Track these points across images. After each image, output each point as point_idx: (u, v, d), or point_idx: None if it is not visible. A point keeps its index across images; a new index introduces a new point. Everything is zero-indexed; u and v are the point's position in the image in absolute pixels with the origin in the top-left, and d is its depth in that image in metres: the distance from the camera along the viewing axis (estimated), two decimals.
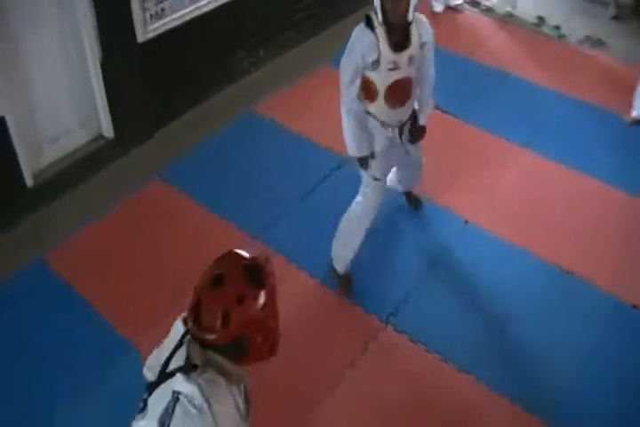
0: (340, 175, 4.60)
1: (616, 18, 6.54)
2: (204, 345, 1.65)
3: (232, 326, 1.57)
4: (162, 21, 4.68)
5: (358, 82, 3.29)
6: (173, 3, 4.69)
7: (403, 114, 3.51)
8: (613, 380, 3.44)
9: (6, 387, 3.34)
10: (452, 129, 5.16)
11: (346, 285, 3.81)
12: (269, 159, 4.78)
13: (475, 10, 6.71)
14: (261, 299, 1.59)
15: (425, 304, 3.84)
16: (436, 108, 5.24)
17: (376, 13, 3.15)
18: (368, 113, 3.44)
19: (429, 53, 3.43)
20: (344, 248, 3.73)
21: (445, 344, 3.59)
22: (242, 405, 1.72)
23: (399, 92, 3.38)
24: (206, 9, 4.95)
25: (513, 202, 4.56)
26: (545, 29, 6.41)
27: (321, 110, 4.86)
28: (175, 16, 4.75)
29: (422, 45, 3.31)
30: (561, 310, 3.81)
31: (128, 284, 3.89)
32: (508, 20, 6.54)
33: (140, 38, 4.61)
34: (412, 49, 3.27)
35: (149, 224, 4.31)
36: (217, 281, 1.59)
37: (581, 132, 5.15)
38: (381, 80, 3.30)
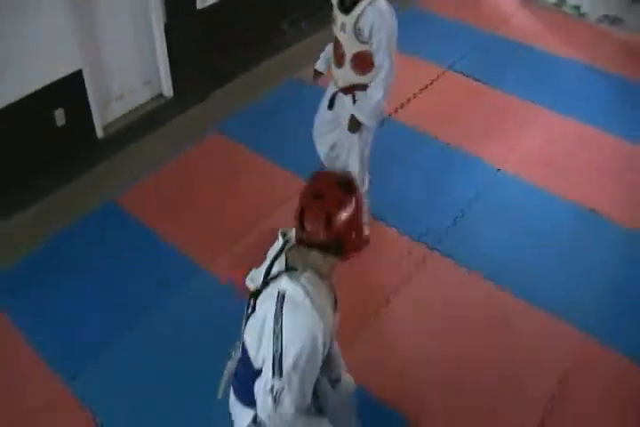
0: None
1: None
2: (310, 246, 1.93)
3: (334, 226, 1.87)
4: None
5: None
6: None
7: (338, 78, 3.66)
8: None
9: (89, 303, 3.75)
10: (482, 94, 5.58)
11: None
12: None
13: None
14: (354, 203, 1.91)
15: (466, 234, 4.26)
16: (466, 75, 5.73)
17: None
18: None
19: (375, 47, 3.38)
20: None
21: (487, 266, 4.00)
22: (331, 309, 2.06)
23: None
24: None
25: (539, 153, 4.97)
26: (565, 9, 6.84)
27: None
28: None
29: (358, 30, 3.34)
30: (583, 238, 4.27)
31: (195, 218, 4.29)
32: (529, 0, 6.96)
33: (199, 5, 5.05)
34: (348, 18, 3.34)
35: (211, 170, 4.70)
36: (317, 195, 1.90)
37: (600, 95, 5.59)
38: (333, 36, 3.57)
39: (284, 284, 1.91)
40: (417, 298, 3.86)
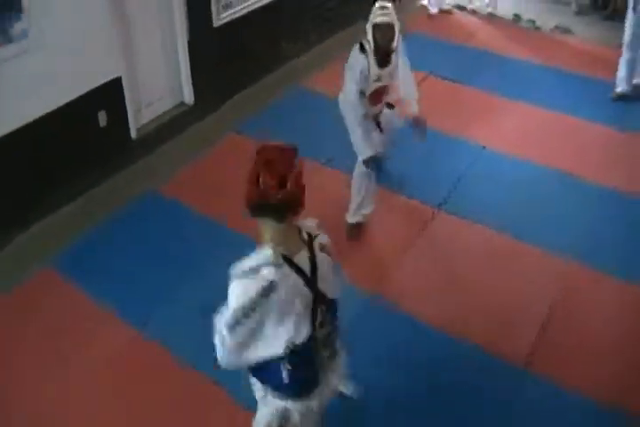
0: None
1: (578, 13, 7.98)
2: (262, 214, 2.18)
3: (289, 185, 2.11)
4: (229, 11, 5.94)
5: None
6: None
7: (376, 110, 4.53)
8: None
9: (144, 264, 4.35)
10: (460, 91, 6.44)
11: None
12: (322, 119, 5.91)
13: (462, 12, 8.11)
14: (299, 165, 2.17)
15: (464, 195, 5.01)
16: (443, 78, 6.58)
17: (368, 41, 4.15)
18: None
19: (401, 57, 4.35)
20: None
21: (486, 217, 4.74)
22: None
23: (377, 96, 4.41)
24: (257, 5, 6.24)
25: (514, 133, 5.79)
26: (522, 23, 7.82)
27: None
28: (238, 8, 6.03)
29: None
30: (561, 192, 5.11)
31: (225, 200, 4.87)
32: (490, 18, 7.94)
33: (215, 23, 5.84)
34: (392, 65, 4.29)
35: (233, 164, 5.25)
36: (268, 161, 2.14)
37: (556, 87, 6.52)
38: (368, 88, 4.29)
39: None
40: (431, 242, 4.58)
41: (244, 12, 6.09)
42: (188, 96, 5.87)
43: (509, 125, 5.89)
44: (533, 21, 7.78)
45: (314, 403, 2.46)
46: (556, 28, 7.64)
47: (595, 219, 4.79)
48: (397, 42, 4.17)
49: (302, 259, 2.23)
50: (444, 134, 5.70)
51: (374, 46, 4.14)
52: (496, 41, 7.45)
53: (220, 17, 5.85)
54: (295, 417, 2.45)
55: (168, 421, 3.40)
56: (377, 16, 4.08)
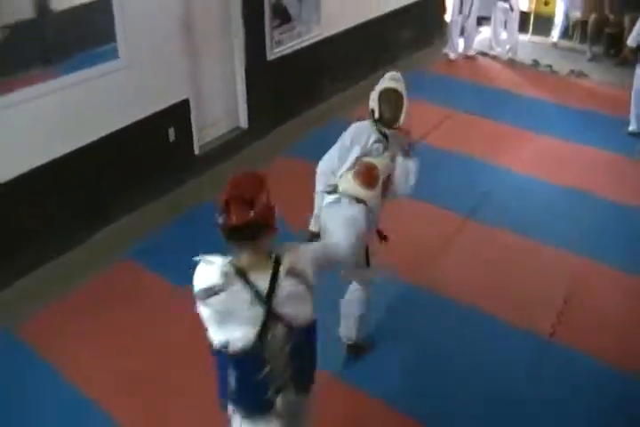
0: None
1: (591, 59, 8.76)
2: (237, 238, 2.24)
3: (257, 206, 2.19)
4: (280, 47, 6.71)
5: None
6: (286, 36, 6.75)
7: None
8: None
9: None
10: (485, 124, 7.14)
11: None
12: None
13: (484, 58, 8.91)
14: (266, 189, 2.30)
15: (491, 207, 5.58)
16: (469, 113, 7.28)
17: (373, 111, 3.62)
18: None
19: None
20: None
21: (510, 224, 5.33)
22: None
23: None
24: (304, 44, 7.03)
25: (538, 159, 6.43)
26: (540, 68, 8.60)
27: None
28: (288, 45, 6.80)
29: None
30: (577, 203, 5.75)
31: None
32: (511, 63, 8.73)
33: (269, 57, 6.61)
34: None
35: (285, 182, 5.88)
36: (235, 187, 2.25)
37: (573, 122, 7.20)
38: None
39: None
40: (462, 244, 5.18)
41: (293, 49, 6.85)
42: (243, 121, 6.56)
43: (530, 152, 6.54)
44: (550, 66, 8.55)
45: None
46: (572, 72, 8.39)
47: (604, 225, 5.42)
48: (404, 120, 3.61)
49: (261, 278, 2.26)
50: (471, 158, 6.36)
51: (379, 114, 3.61)
52: (516, 82, 8.21)
53: (273, 52, 6.61)
54: None
55: None
56: (386, 81, 3.64)
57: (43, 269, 4.74)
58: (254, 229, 2.21)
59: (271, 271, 2.27)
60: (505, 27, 8.88)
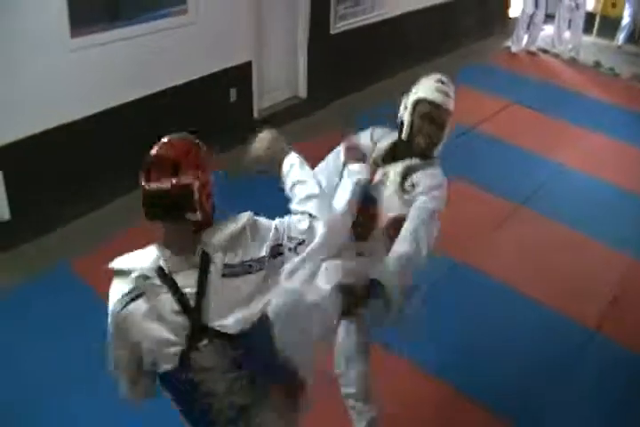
0: None
1: None
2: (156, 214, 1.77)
3: (182, 173, 1.73)
4: (344, 22, 6.69)
5: None
6: (350, 12, 6.72)
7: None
8: None
9: None
10: (539, 119, 7.02)
11: None
12: None
13: (545, 55, 8.81)
14: (202, 157, 1.83)
15: (545, 197, 5.53)
16: (527, 106, 7.19)
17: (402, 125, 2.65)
18: None
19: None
20: None
21: (561, 216, 5.27)
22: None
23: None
24: (368, 21, 6.99)
25: (591, 156, 6.34)
26: (602, 70, 8.47)
27: None
28: (352, 20, 6.78)
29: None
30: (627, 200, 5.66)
31: None
32: (572, 63, 8.61)
33: (332, 31, 6.59)
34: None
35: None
36: (162, 147, 1.81)
37: (633, 125, 7.09)
38: None
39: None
40: (513, 228, 5.12)
41: (357, 25, 6.83)
42: (302, 90, 6.55)
43: (585, 150, 6.43)
44: (613, 69, 8.41)
45: None
46: (635, 76, 8.24)
47: None
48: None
49: (188, 278, 1.76)
50: (525, 150, 6.29)
51: (407, 133, 2.62)
52: (576, 82, 8.09)
53: (336, 26, 6.59)
54: None
55: None
56: (431, 90, 2.62)
57: (97, 212, 4.82)
58: (173, 206, 1.73)
59: (198, 269, 1.76)
60: (569, 26, 8.75)
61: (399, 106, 2.75)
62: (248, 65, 5.81)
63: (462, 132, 6.25)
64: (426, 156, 2.59)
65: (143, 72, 4.89)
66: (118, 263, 1.80)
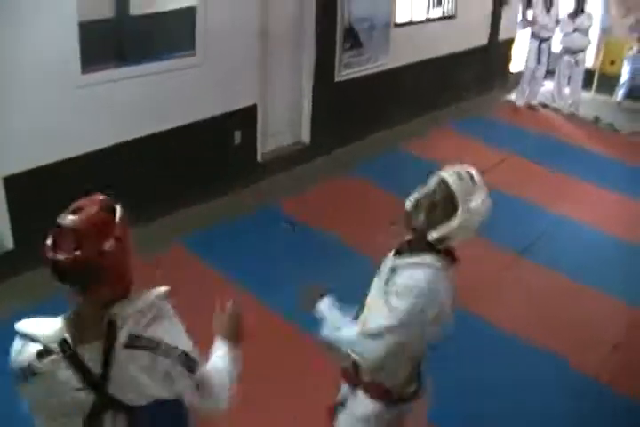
0: None
1: None
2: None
3: (82, 244, 1.59)
4: (348, 70, 6.82)
5: None
6: (355, 61, 6.85)
7: None
8: None
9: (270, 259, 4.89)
10: (538, 170, 7.08)
11: None
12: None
13: (545, 109, 8.95)
14: (115, 226, 1.67)
15: (544, 250, 5.50)
16: (527, 158, 7.26)
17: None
18: None
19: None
20: None
21: (562, 267, 5.21)
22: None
23: None
24: (372, 71, 7.13)
25: (594, 208, 6.34)
26: (601, 125, 8.59)
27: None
28: (356, 69, 6.91)
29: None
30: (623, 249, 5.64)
31: (344, 219, 5.51)
32: (571, 118, 8.74)
33: (336, 79, 6.70)
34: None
35: (344, 198, 5.98)
36: (74, 209, 1.66)
37: (633, 179, 7.11)
38: None
39: None
40: (514, 277, 5.07)
41: (361, 74, 6.97)
42: (306, 136, 6.62)
43: (584, 202, 6.46)
44: (612, 124, 8.53)
45: None
46: (634, 133, 8.35)
47: None
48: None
49: (92, 351, 1.67)
50: (525, 200, 6.32)
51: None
52: (577, 136, 8.20)
53: (341, 73, 6.72)
54: None
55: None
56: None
57: None
58: (77, 277, 1.64)
59: (104, 340, 1.66)
60: (568, 82, 8.92)
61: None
62: (253, 108, 5.88)
63: None
64: (427, 244, 2.27)
65: (150, 111, 4.95)
66: (24, 326, 1.71)
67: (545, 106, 9.07)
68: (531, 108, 8.92)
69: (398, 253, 2.35)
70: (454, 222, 2.22)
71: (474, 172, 2.32)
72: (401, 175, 6.37)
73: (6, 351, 1.74)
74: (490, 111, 8.68)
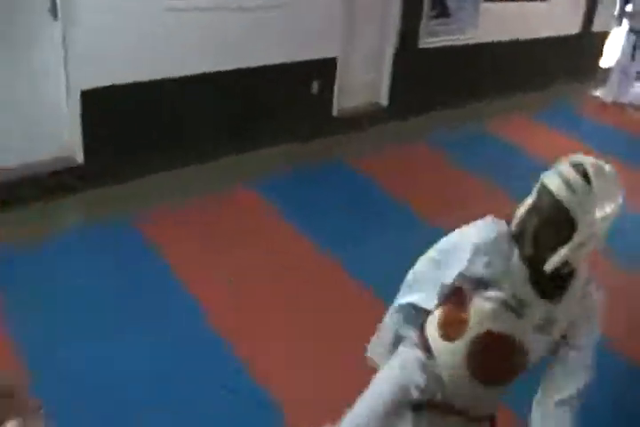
0: None
1: None
2: None
3: None
4: (433, 39, 6.69)
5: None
6: (441, 29, 6.67)
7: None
8: None
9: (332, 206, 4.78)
10: (622, 170, 6.65)
11: None
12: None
13: (634, 109, 8.55)
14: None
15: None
16: (609, 155, 6.88)
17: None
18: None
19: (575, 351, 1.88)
20: None
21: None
22: None
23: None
24: (458, 43, 6.96)
25: None
26: None
27: None
28: (442, 38, 6.76)
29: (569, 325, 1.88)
30: None
31: (411, 181, 5.34)
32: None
33: (420, 46, 6.59)
34: (559, 311, 1.84)
35: (417, 162, 5.82)
36: None
37: None
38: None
39: None
40: None
41: (446, 44, 6.86)
42: (384, 98, 6.48)
43: None
44: None
45: None
46: None
47: None
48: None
49: None
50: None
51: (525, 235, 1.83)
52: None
53: (425, 41, 6.61)
54: None
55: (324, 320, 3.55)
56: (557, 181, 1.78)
57: (168, 173, 4.78)
58: None
59: None
60: None
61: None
62: (333, 61, 5.79)
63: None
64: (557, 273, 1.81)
65: (235, 46, 4.97)
66: None
67: (634, 106, 8.62)
68: (618, 105, 8.50)
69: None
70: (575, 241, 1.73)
71: (592, 167, 1.79)
72: (480, 153, 6.21)
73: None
74: (576, 104, 8.36)
